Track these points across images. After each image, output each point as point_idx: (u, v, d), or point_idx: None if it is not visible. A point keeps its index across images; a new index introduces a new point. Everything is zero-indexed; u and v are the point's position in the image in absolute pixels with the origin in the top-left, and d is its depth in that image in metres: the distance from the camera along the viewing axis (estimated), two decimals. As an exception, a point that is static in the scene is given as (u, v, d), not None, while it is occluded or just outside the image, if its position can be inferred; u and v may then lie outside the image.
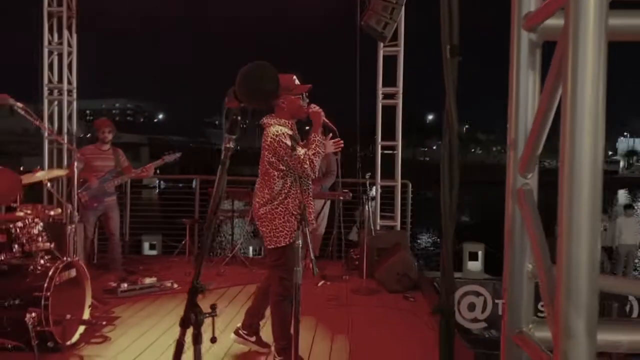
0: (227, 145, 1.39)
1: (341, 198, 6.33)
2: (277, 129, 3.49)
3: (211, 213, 1.46)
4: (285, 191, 3.51)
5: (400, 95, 7.17)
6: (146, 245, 8.25)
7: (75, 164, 5.70)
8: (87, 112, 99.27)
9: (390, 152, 7.36)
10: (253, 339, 3.87)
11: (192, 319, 1.32)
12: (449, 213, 0.96)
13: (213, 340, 1.49)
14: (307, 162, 3.41)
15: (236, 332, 3.91)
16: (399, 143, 7.30)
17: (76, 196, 5.83)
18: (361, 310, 5.08)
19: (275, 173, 3.50)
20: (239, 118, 1.38)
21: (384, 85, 7.24)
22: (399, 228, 7.31)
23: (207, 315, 1.39)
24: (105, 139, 5.92)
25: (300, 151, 3.43)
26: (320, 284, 6.03)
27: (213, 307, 1.45)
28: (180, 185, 8.28)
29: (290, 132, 3.51)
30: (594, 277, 0.77)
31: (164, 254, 7.84)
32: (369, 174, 6.02)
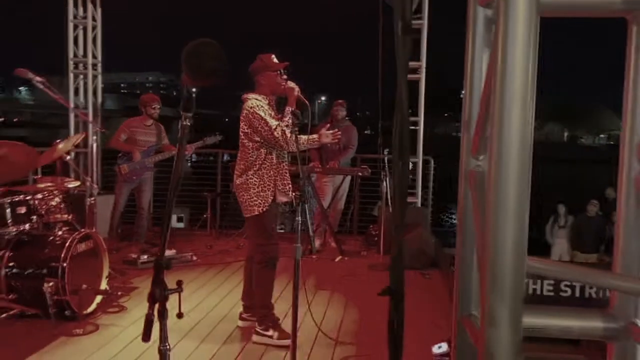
0: (184, 123, 1.39)
1: (360, 174, 6.30)
2: (253, 102, 3.64)
3: (172, 189, 1.46)
4: (260, 162, 3.64)
5: (424, 70, 7.03)
6: (174, 218, 8.41)
7: (122, 136, 5.79)
8: (122, 85, 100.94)
9: (413, 127, 7.25)
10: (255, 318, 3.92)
11: (157, 295, 1.34)
12: (399, 190, 0.94)
13: (179, 315, 1.51)
14: (279, 131, 3.53)
15: (241, 318, 3.99)
16: (421, 119, 7.18)
17: (116, 166, 5.97)
18: (375, 286, 5.07)
19: (250, 144, 3.64)
20: (193, 95, 1.38)
21: (407, 59, 7.09)
22: (419, 205, 7.24)
23: (172, 291, 1.40)
24: (153, 114, 6.01)
25: (273, 122, 3.56)
26: (337, 259, 6.05)
27: (179, 283, 1.46)
28: (211, 158, 8.34)
29: (265, 106, 3.64)
30: (520, 261, 0.74)
31: (191, 227, 7.97)
32: (387, 149, 5.95)
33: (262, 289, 3.74)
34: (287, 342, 3.60)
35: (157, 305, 1.34)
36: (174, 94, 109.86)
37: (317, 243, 6.45)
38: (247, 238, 3.86)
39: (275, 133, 3.52)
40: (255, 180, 3.63)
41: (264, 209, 3.62)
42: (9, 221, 3.90)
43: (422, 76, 7.04)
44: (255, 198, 3.62)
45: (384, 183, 5.90)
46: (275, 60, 3.72)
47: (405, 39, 0.91)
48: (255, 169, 3.63)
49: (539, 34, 0.72)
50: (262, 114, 3.56)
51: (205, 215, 7.43)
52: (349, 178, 6.55)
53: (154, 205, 7.98)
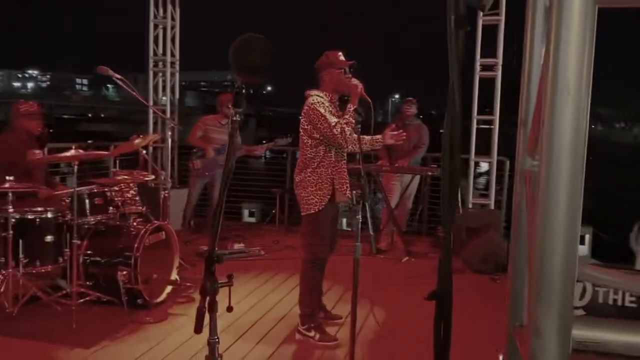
0: (234, 119, 1.40)
1: (429, 173, 6.17)
2: (315, 98, 3.59)
3: (224, 183, 1.47)
4: (318, 160, 3.58)
5: (500, 67, 6.78)
6: (246, 212, 8.62)
7: (193, 131, 6.02)
8: (202, 83, 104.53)
9: (487, 127, 7.02)
10: (322, 315, 3.92)
11: (207, 288, 1.35)
12: (448, 191, 0.89)
13: (229, 309, 1.51)
14: (338, 128, 3.45)
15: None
16: (497, 117, 6.93)
17: (190, 162, 6.21)
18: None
19: (309, 141, 3.60)
20: (244, 91, 1.37)
21: (482, 56, 6.87)
22: (492, 207, 7.00)
23: (223, 284, 1.41)
24: (228, 113, 6.20)
25: (333, 119, 3.49)
26: (404, 260, 5.96)
27: (230, 276, 1.47)
28: (284, 155, 8.48)
29: (326, 103, 3.58)
30: (570, 268, 0.67)
31: (262, 222, 8.12)
32: (458, 149, 5.79)
33: (308, 288, 3.71)
34: (331, 344, 3.62)
35: (207, 298, 1.36)
36: (250, 92, 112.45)
37: (384, 243, 6.39)
38: (300, 236, 3.83)
39: (334, 130, 3.46)
40: (312, 178, 3.58)
41: (320, 208, 3.57)
42: (88, 211, 4.12)
43: (498, 74, 6.79)
44: (312, 196, 3.58)
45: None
46: (341, 57, 3.68)
47: (458, 32, 0.86)
48: (313, 166, 3.59)
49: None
50: (322, 111, 3.51)
51: (273, 211, 7.54)
52: (417, 177, 6.43)
53: (225, 200, 8.19)
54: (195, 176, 6.21)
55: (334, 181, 3.60)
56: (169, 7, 7.56)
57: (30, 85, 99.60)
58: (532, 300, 0.70)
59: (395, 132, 3.74)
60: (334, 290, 4.73)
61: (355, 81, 3.62)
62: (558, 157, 0.67)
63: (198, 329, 1.39)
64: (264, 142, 6.42)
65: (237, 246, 5.95)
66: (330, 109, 3.59)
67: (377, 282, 4.96)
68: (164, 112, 7.55)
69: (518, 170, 0.91)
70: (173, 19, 7.65)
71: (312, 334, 3.66)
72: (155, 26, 7.58)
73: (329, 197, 3.58)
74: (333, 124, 3.47)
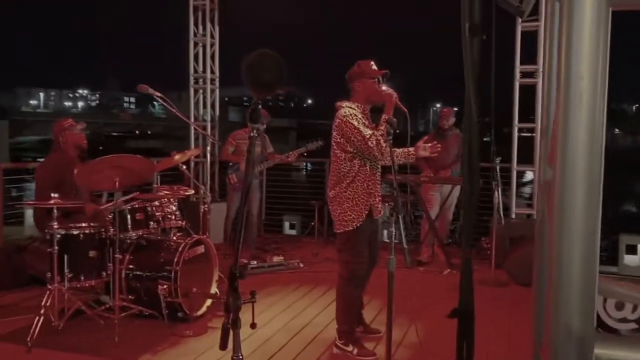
0: (252, 134, 1.39)
1: (470, 183, 6.04)
2: (346, 110, 3.50)
3: (243, 196, 1.47)
4: (353, 174, 3.49)
5: (541, 74, 6.62)
6: (286, 224, 8.66)
7: (225, 146, 6.13)
8: (244, 98, 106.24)
9: (529, 134, 6.85)
10: (360, 329, 3.87)
11: (230, 304, 1.35)
12: (469, 206, 0.86)
13: (253, 326, 1.50)
14: (373, 141, 3.34)
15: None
16: (538, 126, 6.76)
17: (226, 177, 6.31)
18: (484, 303, 4.82)
19: (343, 155, 3.50)
20: (260, 107, 1.37)
21: (522, 63, 6.73)
22: (536, 217, 6.80)
23: (245, 301, 1.41)
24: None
25: (367, 131, 3.39)
26: (445, 272, 5.85)
27: (252, 293, 1.46)
28: (325, 166, 8.50)
29: (359, 114, 3.49)
30: (589, 282, 0.63)
31: (303, 234, 8.14)
32: (499, 158, 5.66)
33: (345, 305, 3.63)
34: (369, 359, 3.54)
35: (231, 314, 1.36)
36: (292, 105, 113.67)
37: (424, 255, 6.29)
38: (337, 252, 3.74)
39: (369, 143, 3.35)
40: (348, 194, 3.48)
41: (357, 225, 3.47)
42: (130, 226, 4.21)
43: (539, 80, 6.63)
44: (349, 212, 3.48)
45: (496, 193, 5.60)
46: (374, 67, 3.58)
47: (473, 40, 0.83)
48: (348, 181, 3.48)
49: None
50: (355, 123, 3.41)
51: (312, 223, 7.54)
52: (458, 188, 6.32)
53: (265, 213, 8.25)
54: (232, 190, 6.30)
55: (371, 196, 3.52)
56: (208, 25, 7.72)
57: (80, 104, 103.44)
58: (550, 316, 0.66)
59: (429, 144, 3.61)
60: (372, 304, 4.67)
61: (389, 90, 3.52)
62: (573, 166, 0.64)
63: (223, 346, 1.39)
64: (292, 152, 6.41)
65: (276, 259, 5.97)
66: (363, 121, 3.49)
67: (417, 295, 4.87)
68: (204, 128, 7.69)
69: (538, 180, 0.87)
70: (212, 36, 7.80)
71: (350, 348, 3.61)
72: (195, 44, 7.75)
73: (367, 212, 3.49)
74: (367, 136, 3.36)
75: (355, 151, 3.47)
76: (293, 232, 8.48)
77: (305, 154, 6.33)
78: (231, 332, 1.34)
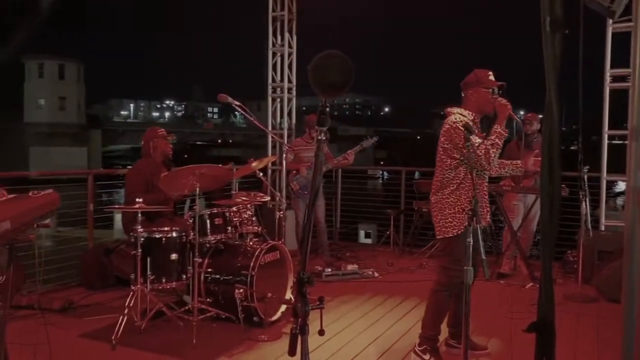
0: (319, 137, 1.37)
1: (555, 193, 5.74)
2: (457, 117, 3.45)
3: (310, 203, 1.45)
4: (458, 181, 3.43)
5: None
6: (362, 233, 8.64)
7: (286, 155, 6.24)
8: (320, 107, 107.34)
9: (620, 142, 6.43)
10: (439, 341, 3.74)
11: (299, 310, 1.33)
12: (549, 213, 0.79)
13: (321, 332, 1.47)
14: (482, 150, 3.28)
15: (447, 344, 3.82)
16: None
17: (289, 185, 6.41)
18: (570, 318, 4.56)
19: (449, 161, 3.46)
20: (328, 109, 1.34)
21: (613, 66, 6.33)
22: (629, 229, 6.35)
23: (314, 307, 1.38)
24: (312, 133, 6.36)
25: (476, 140, 3.30)
26: (528, 286, 5.58)
27: (320, 299, 1.43)
28: (399, 175, 8.41)
29: (469, 122, 3.37)
30: None
31: (378, 243, 8.08)
32: (587, 167, 5.35)
33: (435, 311, 3.57)
34: None
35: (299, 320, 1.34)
36: (368, 113, 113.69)
37: (506, 267, 6.05)
38: (438, 257, 3.70)
39: (478, 151, 3.28)
40: (451, 200, 3.44)
41: (458, 232, 3.40)
42: (209, 231, 4.33)
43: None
44: (450, 219, 3.44)
45: (584, 204, 5.29)
46: (491, 77, 3.52)
47: (555, 36, 0.77)
48: (452, 187, 3.45)
49: None
50: (461, 132, 3.33)
51: (388, 232, 7.45)
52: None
53: (341, 221, 8.26)
54: (296, 197, 6.36)
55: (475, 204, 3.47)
56: (286, 35, 7.84)
57: (167, 114, 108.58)
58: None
59: (539, 159, 3.47)
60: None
61: (504, 101, 3.46)
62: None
63: (291, 351, 1.38)
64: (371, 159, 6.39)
65: (351, 267, 5.94)
66: (472, 130, 3.38)
67: (497, 309, 4.67)
68: (281, 136, 7.81)
69: (629, 187, 0.79)
70: (290, 46, 7.92)
71: (427, 357, 3.53)
72: (274, 54, 7.90)
73: (469, 221, 3.44)
74: (476, 144, 3.30)
75: (462, 158, 3.42)
76: (368, 240, 8.43)
77: (361, 151, 6.28)
78: (299, 339, 1.33)
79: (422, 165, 7.96)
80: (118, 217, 7.49)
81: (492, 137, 3.33)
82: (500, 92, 3.51)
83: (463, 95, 3.58)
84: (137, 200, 4.03)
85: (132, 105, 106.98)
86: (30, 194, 3.21)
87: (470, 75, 3.57)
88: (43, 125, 45.42)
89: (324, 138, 1.38)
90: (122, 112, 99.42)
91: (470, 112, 3.51)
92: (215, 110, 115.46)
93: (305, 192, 6.32)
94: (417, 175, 9.10)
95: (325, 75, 1.37)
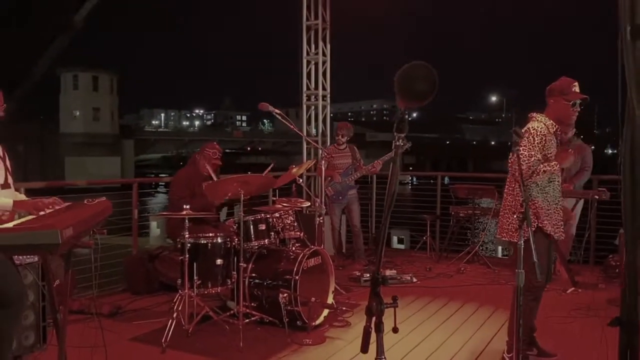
0: (397, 143, 1.43)
1: (596, 197, 5.68)
2: (537, 125, 3.47)
3: (387, 208, 1.50)
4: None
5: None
6: (394, 239, 8.64)
7: (322, 162, 6.33)
8: (349, 114, 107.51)
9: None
10: (534, 351, 3.71)
11: (374, 309, 1.39)
12: (630, 217, 0.83)
13: (395, 330, 1.52)
14: (532, 168, 3.36)
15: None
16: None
17: (324, 191, 6.49)
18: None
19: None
20: (406, 117, 1.41)
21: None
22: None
23: (388, 305, 1.44)
24: (341, 140, 6.46)
25: (537, 155, 3.38)
26: (569, 290, 5.52)
27: (394, 298, 1.48)
28: (432, 181, 8.40)
29: (545, 132, 3.44)
30: None
31: (411, 249, 8.08)
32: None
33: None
34: None
35: (374, 319, 1.40)
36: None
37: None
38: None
39: (526, 164, 3.34)
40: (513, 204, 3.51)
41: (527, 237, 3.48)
42: (252, 236, 4.42)
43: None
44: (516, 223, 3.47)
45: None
46: (575, 89, 3.49)
47: (636, 44, 0.80)
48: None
49: None
50: (535, 140, 3.41)
51: (425, 238, 7.45)
52: (581, 202, 5.96)
53: (375, 227, 8.28)
54: (331, 202, 6.44)
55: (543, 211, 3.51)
56: (320, 43, 7.95)
57: (197, 123, 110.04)
58: None
59: (570, 151, 3.54)
60: (494, 318, 4.55)
61: (572, 155, 3.51)
62: None
63: (364, 349, 1.44)
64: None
65: (389, 272, 5.97)
66: (548, 139, 3.46)
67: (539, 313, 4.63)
68: (316, 142, 7.89)
69: None
70: (324, 54, 8.02)
71: None
72: (308, 62, 8.01)
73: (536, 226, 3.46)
74: (532, 159, 3.38)
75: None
76: (401, 246, 8.43)
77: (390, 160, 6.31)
78: (375, 336, 1.38)
79: (451, 170, 7.92)
80: (154, 225, 7.66)
81: (548, 167, 3.38)
82: (582, 106, 3.49)
83: (547, 102, 3.58)
84: (184, 207, 4.15)
85: (162, 114, 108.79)
86: (85, 202, 3.36)
87: (556, 82, 3.55)
88: (78, 135, 46.53)
89: (402, 144, 1.44)
90: (153, 122, 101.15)
91: (552, 122, 3.52)
92: (244, 118, 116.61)
93: (340, 198, 6.40)
94: (446, 180, 9.07)
95: (412, 85, 1.44)
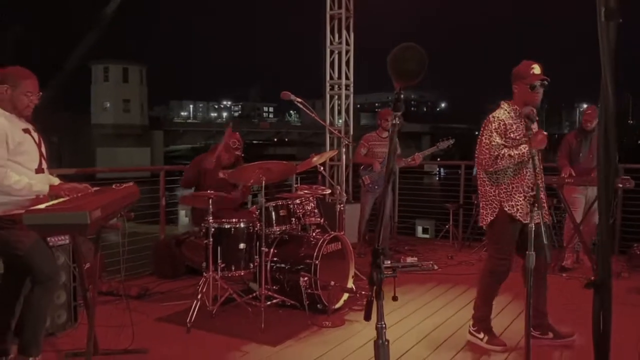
0: (393, 122, 1.52)
1: (619, 185, 5.63)
2: (498, 112, 3.60)
3: (386, 180, 1.58)
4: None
5: None
6: (419, 229, 8.70)
7: (361, 149, 6.38)
8: (376, 104, 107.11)
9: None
10: (550, 335, 3.78)
11: (375, 278, 1.48)
12: (605, 192, 0.88)
13: (394, 298, 1.60)
14: (494, 154, 3.47)
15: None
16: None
17: (360, 179, 6.55)
18: (633, 312, 4.49)
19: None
20: (402, 96, 1.49)
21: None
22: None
23: (388, 275, 1.52)
24: (387, 127, 6.46)
25: (495, 142, 3.48)
26: (592, 279, 5.49)
27: (394, 268, 1.56)
28: (458, 172, 8.43)
29: (505, 118, 3.55)
30: None
31: (437, 238, 8.11)
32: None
33: (482, 293, 3.79)
34: (497, 348, 3.59)
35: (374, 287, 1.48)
36: (424, 109, 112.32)
37: (568, 261, 5.98)
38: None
39: (489, 153, 3.48)
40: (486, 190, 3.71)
41: (492, 218, 3.65)
42: (274, 222, 4.54)
43: None
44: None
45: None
46: (534, 71, 3.51)
47: (609, 25, 0.86)
48: (494, 178, 3.65)
49: None
50: (493, 126, 3.53)
51: (447, 226, 7.48)
52: (606, 190, 5.91)
53: (398, 216, 8.34)
54: (365, 191, 6.48)
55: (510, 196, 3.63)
56: (344, 32, 8.00)
57: (224, 114, 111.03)
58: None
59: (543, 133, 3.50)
60: (513, 303, 4.58)
61: (543, 135, 3.46)
62: None
63: (367, 317, 1.53)
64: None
65: (410, 260, 6.03)
66: (511, 126, 3.55)
67: (560, 302, 4.65)
68: (339, 131, 7.96)
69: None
70: (347, 43, 8.07)
71: (481, 335, 3.68)
72: (331, 52, 8.07)
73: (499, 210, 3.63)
74: (492, 147, 3.49)
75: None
76: (426, 235, 8.49)
77: (434, 155, 6.32)
78: (375, 304, 1.47)
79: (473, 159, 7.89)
80: (182, 213, 7.88)
81: (516, 151, 3.45)
82: (544, 87, 3.52)
83: (512, 87, 3.64)
84: (208, 192, 4.29)
85: (191, 106, 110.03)
86: (113, 186, 3.52)
87: (516, 67, 3.60)
88: (109, 126, 47.49)
89: (399, 122, 1.52)
90: (182, 113, 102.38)
91: (516, 108, 3.58)
92: (271, 109, 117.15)
93: (376, 187, 6.44)
94: (474, 172, 9.03)
95: (403, 65, 1.53)
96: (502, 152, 3.46)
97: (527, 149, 3.39)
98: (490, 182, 3.61)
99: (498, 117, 3.55)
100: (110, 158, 42.31)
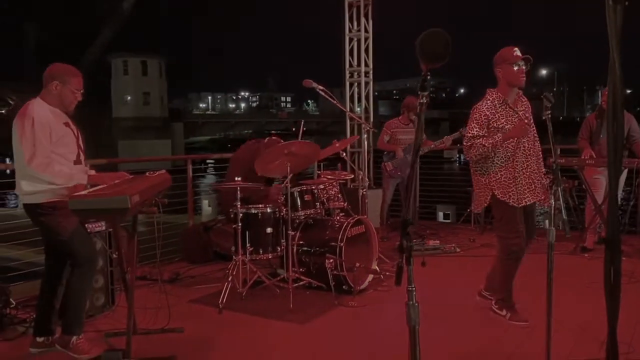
0: (421, 101, 1.64)
1: (640, 166, 5.65)
2: (481, 102, 3.73)
3: (412, 163, 1.70)
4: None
5: None
6: (440, 214, 8.77)
7: (384, 136, 6.46)
8: (394, 92, 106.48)
9: None
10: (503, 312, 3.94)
11: (404, 245, 1.60)
12: (614, 160, 0.98)
13: (423, 264, 1.72)
14: (469, 142, 3.65)
15: (480, 295, 4.18)
16: None
17: (382, 165, 6.66)
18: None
19: None
20: (429, 77, 1.61)
21: None
22: None
23: (416, 242, 1.64)
24: (410, 116, 6.56)
25: (474, 131, 3.65)
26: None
27: (422, 236, 1.67)
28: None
29: (488, 107, 3.67)
30: None
31: (458, 222, 8.18)
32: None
33: (502, 276, 3.87)
34: (521, 324, 3.71)
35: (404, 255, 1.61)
36: (443, 95, 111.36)
37: (589, 242, 6.03)
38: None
39: (465, 143, 3.69)
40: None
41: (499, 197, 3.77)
42: (299, 207, 4.69)
43: None
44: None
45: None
46: (516, 53, 3.65)
47: (617, 7, 0.95)
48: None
49: None
50: (476, 116, 3.69)
51: (469, 210, 7.55)
52: (625, 171, 5.93)
53: (420, 202, 8.42)
54: (388, 177, 6.59)
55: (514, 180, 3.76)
56: (362, 19, 8.06)
57: (242, 105, 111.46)
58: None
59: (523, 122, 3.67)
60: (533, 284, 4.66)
61: (525, 124, 3.62)
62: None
63: (398, 282, 1.66)
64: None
65: (432, 243, 6.13)
66: (488, 116, 3.67)
67: (583, 282, 4.72)
68: (359, 118, 8.06)
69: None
70: (366, 30, 8.14)
71: (503, 312, 3.83)
72: (350, 39, 8.15)
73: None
74: (468, 138, 3.69)
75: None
76: (447, 221, 8.56)
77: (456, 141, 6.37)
78: (406, 269, 1.60)
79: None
80: (205, 203, 8.07)
81: (490, 140, 3.60)
82: (526, 66, 3.63)
83: (496, 74, 3.74)
84: (235, 179, 4.44)
85: (209, 98, 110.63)
86: (147, 174, 3.69)
87: (498, 53, 3.73)
88: (129, 119, 48.05)
89: (425, 101, 1.65)
90: (201, 105, 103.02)
91: (501, 93, 3.70)
92: (289, 99, 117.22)
93: (399, 173, 6.54)
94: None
95: (432, 48, 1.67)
96: (476, 142, 3.63)
97: (500, 137, 3.57)
98: (481, 171, 3.77)
99: (479, 109, 3.71)
100: (132, 150, 42.84)
